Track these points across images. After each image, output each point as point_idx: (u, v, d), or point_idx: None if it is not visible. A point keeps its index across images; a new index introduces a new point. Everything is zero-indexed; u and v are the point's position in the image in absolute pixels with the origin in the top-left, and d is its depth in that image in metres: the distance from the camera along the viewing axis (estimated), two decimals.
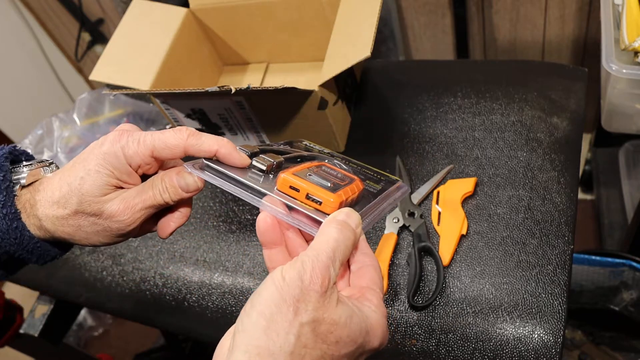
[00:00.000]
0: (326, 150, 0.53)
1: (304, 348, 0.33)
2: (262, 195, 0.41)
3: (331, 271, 0.35)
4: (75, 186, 0.42)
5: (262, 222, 0.40)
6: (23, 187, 0.44)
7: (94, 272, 0.83)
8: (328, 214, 0.39)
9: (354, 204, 0.43)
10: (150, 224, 0.47)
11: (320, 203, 0.40)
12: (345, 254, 0.37)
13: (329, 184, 0.41)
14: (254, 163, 0.44)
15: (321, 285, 0.34)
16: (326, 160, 0.49)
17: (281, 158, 0.45)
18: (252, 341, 0.33)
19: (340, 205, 0.40)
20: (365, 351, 0.37)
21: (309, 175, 0.42)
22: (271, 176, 0.43)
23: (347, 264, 0.41)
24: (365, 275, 0.40)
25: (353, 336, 0.35)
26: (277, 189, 0.41)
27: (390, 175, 0.50)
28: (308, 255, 0.36)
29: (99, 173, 0.42)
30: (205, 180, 0.43)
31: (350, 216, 0.39)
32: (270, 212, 0.40)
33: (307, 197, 0.40)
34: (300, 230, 0.41)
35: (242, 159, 0.44)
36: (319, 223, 0.39)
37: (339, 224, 0.38)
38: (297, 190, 0.41)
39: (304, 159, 0.49)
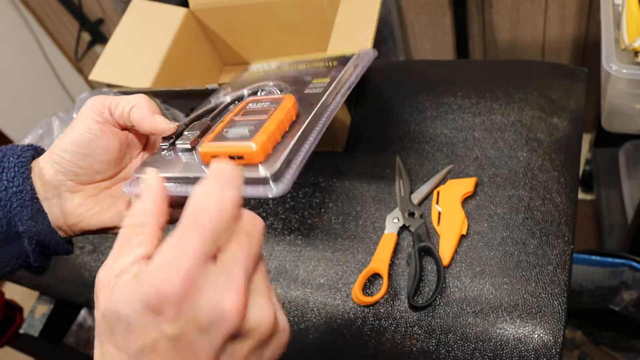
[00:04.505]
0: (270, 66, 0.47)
1: None
2: (196, 180, 0.36)
3: None
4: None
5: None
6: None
7: (93, 272, 0.83)
8: (257, 164, 0.35)
9: (288, 131, 0.38)
10: None
11: (243, 158, 0.35)
12: None
13: (247, 130, 0.36)
14: (178, 146, 0.39)
15: None
16: (260, 92, 0.44)
17: (207, 122, 0.41)
18: None
19: (265, 146, 0.35)
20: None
21: (227, 131, 0.38)
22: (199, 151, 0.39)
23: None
24: None
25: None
26: (204, 167, 0.37)
27: (344, 55, 0.44)
28: None
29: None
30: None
31: None
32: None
33: (231, 158, 0.36)
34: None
35: (158, 123, 0.39)
36: (256, 181, 0.34)
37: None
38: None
39: (228, 106, 0.45)
